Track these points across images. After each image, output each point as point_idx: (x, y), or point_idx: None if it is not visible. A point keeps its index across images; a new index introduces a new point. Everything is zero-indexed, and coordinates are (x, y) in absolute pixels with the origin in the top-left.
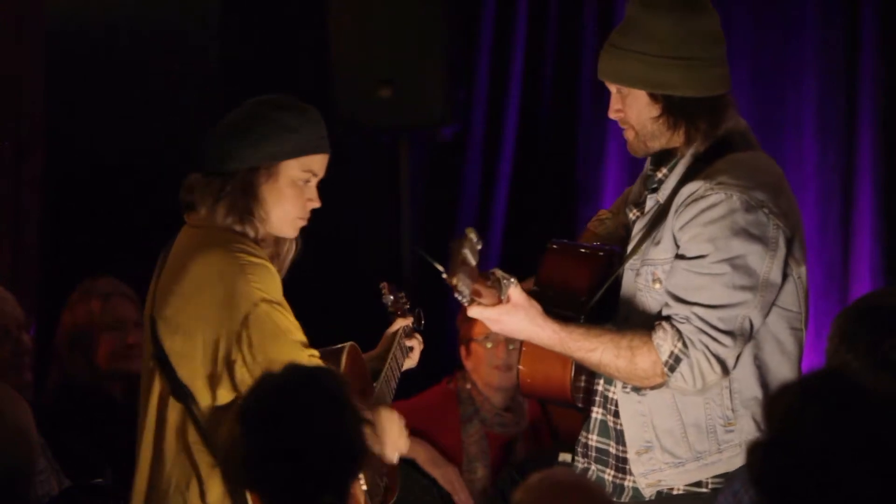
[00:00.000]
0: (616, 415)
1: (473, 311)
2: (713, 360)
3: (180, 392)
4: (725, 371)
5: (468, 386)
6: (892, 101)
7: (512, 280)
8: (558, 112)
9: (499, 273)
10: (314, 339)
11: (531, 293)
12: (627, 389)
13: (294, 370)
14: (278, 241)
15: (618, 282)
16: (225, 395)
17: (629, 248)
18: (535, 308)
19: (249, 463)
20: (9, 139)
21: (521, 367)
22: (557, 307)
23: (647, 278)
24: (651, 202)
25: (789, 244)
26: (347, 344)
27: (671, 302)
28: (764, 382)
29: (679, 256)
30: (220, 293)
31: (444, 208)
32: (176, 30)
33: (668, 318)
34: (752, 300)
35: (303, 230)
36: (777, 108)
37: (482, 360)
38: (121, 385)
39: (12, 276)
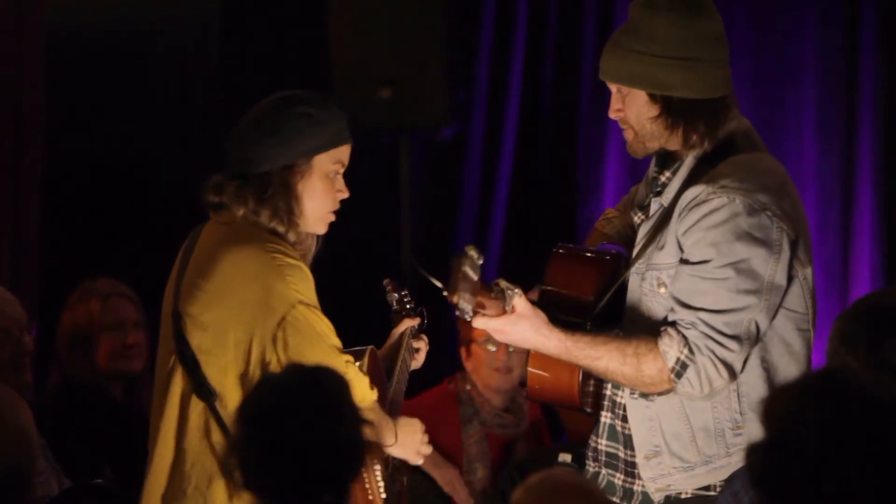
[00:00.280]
0: (624, 419)
1: (478, 322)
2: (720, 365)
3: (204, 391)
4: (733, 375)
5: (468, 387)
6: (892, 102)
7: (516, 290)
8: (558, 112)
9: (503, 283)
10: None
11: (538, 298)
12: (636, 395)
13: (294, 370)
14: (304, 240)
15: (623, 286)
16: None
17: (634, 253)
18: (539, 318)
19: (249, 463)
20: (9, 139)
21: (528, 372)
22: (563, 312)
23: (651, 283)
24: (655, 205)
25: (793, 246)
26: (368, 347)
27: (676, 307)
28: (772, 385)
29: (683, 261)
30: (256, 292)
31: (444, 208)
32: (176, 30)
33: (673, 324)
34: (758, 304)
35: None
36: (777, 109)
37: (482, 361)
38: (121, 385)
39: (12, 276)
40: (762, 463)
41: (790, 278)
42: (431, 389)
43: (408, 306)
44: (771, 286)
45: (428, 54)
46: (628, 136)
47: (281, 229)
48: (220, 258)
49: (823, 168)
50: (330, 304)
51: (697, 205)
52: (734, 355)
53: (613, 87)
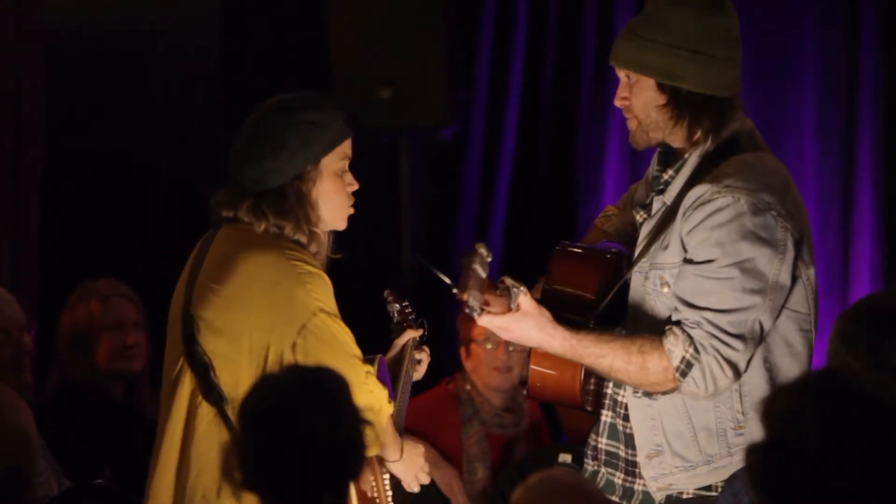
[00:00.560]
0: (625, 418)
1: (484, 321)
2: (725, 365)
3: (214, 395)
4: (737, 375)
5: (468, 387)
6: (892, 102)
7: (521, 288)
8: (558, 112)
9: (508, 281)
10: None
11: (541, 297)
12: (638, 394)
13: (294, 370)
14: (322, 242)
15: (626, 285)
16: None
17: (637, 252)
18: (544, 316)
19: (249, 463)
20: (9, 139)
21: (530, 370)
22: (566, 310)
23: (655, 282)
24: (658, 204)
25: (798, 246)
26: (377, 356)
27: (681, 307)
28: (774, 385)
29: (687, 261)
30: (275, 299)
31: (444, 208)
32: (176, 30)
33: (678, 323)
34: (762, 303)
35: None
36: (777, 109)
37: (482, 361)
38: (121, 385)
39: (12, 276)
40: (762, 463)
41: (794, 278)
42: (431, 390)
43: (409, 317)
44: (775, 286)
45: (428, 54)
46: (631, 125)
47: (304, 240)
48: (237, 263)
49: (823, 168)
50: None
51: (702, 204)
52: (739, 355)
53: (622, 74)
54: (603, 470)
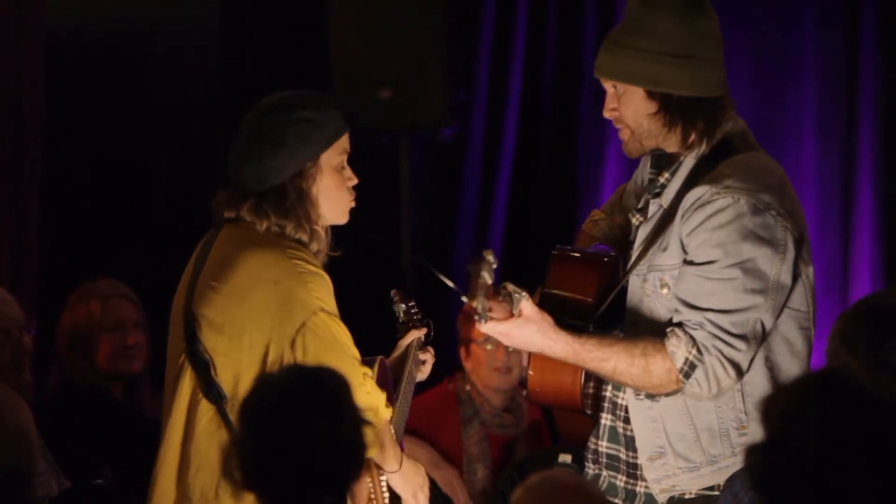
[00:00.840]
0: (626, 420)
1: (486, 327)
2: (728, 365)
3: (214, 393)
4: (740, 375)
5: (468, 387)
6: (892, 102)
7: (523, 294)
8: (558, 112)
9: (510, 287)
10: None
11: (539, 301)
12: (640, 396)
13: (295, 370)
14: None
15: (624, 288)
16: None
17: (635, 255)
18: (546, 321)
19: (249, 463)
20: (9, 139)
21: (529, 374)
22: (565, 315)
23: (654, 284)
24: (654, 207)
25: (798, 245)
26: (377, 357)
27: (682, 308)
28: (776, 384)
29: (688, 262)
30: (276, 297)
31: (444, 209)
32: (176, 30)
33: (679, 325)
34: (764, 303)
35: None
36: (777, 109)
37: (482, 361)
38: (121, 386)
39: (12, 276)
40: (762, 463)
41: (794, 277)
42: (431, 390)
43: (415, 317)
44: (777, 285)
45: (428, 54)
46: (624, 135)
47: (305, 239)
48: (239, 262)
49: (823, 168)
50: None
51: (701, 206)
52: (742, 355)
53: (609, 86)
54: (605, 473)
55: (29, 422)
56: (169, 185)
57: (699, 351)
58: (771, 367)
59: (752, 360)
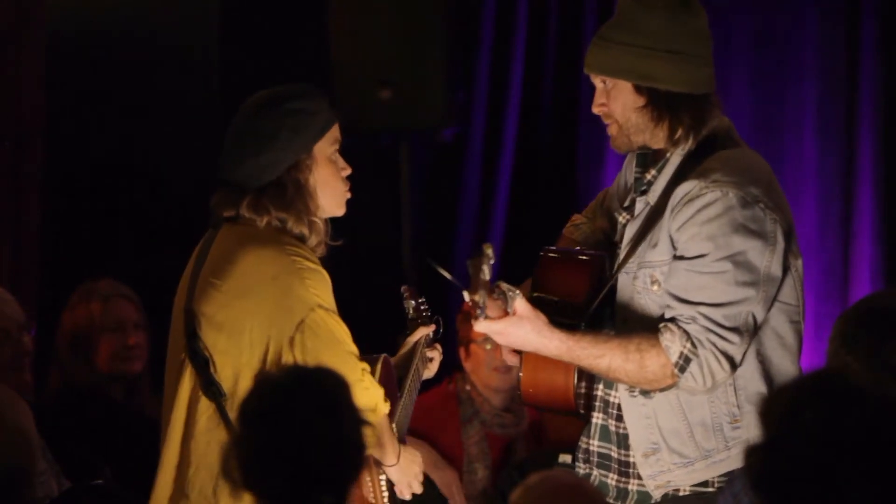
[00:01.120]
0: (618, 419)
1: (481, 326)
2: (722, 358)
3: (213, 390)
4: (733, 367)
5: (468, 387)
6: (892, 102)
7: (517, 292)
8: (558, 113)
9: (504, 286)
10: None
11: (532, 303)
12: (634, 392)
13: (294, 371)
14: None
15: (613, 287)
16: None
17: (623, 253)
18: (540, 319)
19: (249, 463)
20: (9, 139)
21: (522, 377)
22: (556, 315)
23: (644, 281)
24: (641, 205)
25: (787, 237)
26: (381, 355)
27: (674, 303)
28: (768, 377)
29: (678, 257)
30: (275, 294)
31: (445, 210)
32: (176, 30)
33: (672, 320)
34: (755, 296)
35: None
36: (777, 109)
37: (482, 361)
38: (121, 386)
39: (12, 276)
40: (761, 464)
41: (784, 270)
42: (431, 390)
43: (424, 314)
44: (767, 277)
45: (428, 55)
46: (612, 130)
47: (306, 232)
48: (238, 259)
49: (823, 168)
50: None
51: (691, 200)
52: (735, 347)
53: (598, 81)
54: (595, 472)
55: (29, 422)
56: (169, 185)
57: (693, 345)
58: (762, 361)
59: (744, 354)
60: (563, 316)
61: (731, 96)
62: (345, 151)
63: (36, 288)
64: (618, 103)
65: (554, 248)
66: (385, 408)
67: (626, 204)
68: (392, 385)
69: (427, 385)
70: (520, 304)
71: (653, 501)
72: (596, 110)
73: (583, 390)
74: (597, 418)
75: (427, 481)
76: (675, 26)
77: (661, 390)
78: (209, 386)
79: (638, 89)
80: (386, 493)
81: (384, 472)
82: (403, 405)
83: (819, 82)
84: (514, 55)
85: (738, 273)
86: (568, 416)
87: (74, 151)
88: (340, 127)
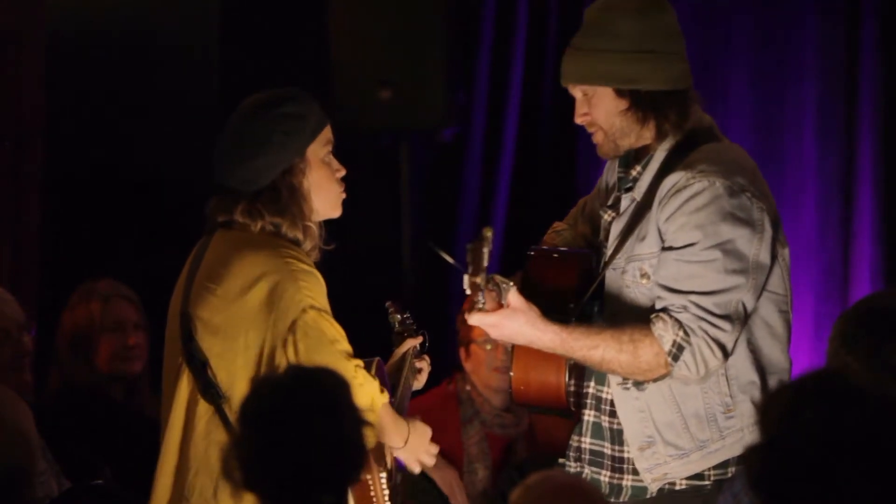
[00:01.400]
0: (611, 414)
1: (474, 319)
2: (714, 346)
3: (211, 392)
4: (725, 355)
5: (468, 387)
6: (892, 102)
7: (511, 284)
8: (558, 113)
9: (498, 278)
10: None
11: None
12: (628, 385)
13: (295, 371)
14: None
15: (601, 283)
16: None
17: (610, 250)
18: (534, 311)
19: (249, 463)
20: (9, 139)
21: (513, 375)
22: (546, 311)
23: (634, 274)
24: (626, 201)
25: (774, 226)
26: (375, 359)
27: (664, 294)
28: (759, 367)
29: (667, 248)
30: (268, 296)
31: (445, 210)
32: (176, 30)
33: (664, 310)
34: (745, 283)
35: None
36: (777, 109)
37: (482, 361)
38: (121, 386)
39: (12, 276)
40: (760, 464)
41: (772, 258)
42: (431, 391)
43: (411, 327)
44: (756, 265)
45: (428, 56)
46: (598, 137)
47: (300, 237)
48: (232, 262)
49: (823, 168)
50: (330, 304)
51: (678, 191)
52: (727, 335)
53: (577, 91)
54: (587, 469)
55: (29, 422)
56: (169, 185)
57: (686, 333)
58: (753, 350)
59: (735, 343)
60: (552, 313)
61: (731, 96)
62: (345, 151)
63: (36, 288)
64: (600, 110)
65: (541, 247)
66: (382, 399)
67: (611, 202)
68: (386, 389)
69: (426, 386)
70: (513, 296)
71: (649, 496)
72: (579, 121)
73: (573, 388)
74: (588, 416)
75: (428, 482)
76: (648, 26)
77: (655, 380)
78: (207, 388)
79: (619, 93)
80: (387, 492)
81: (384, 470)
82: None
83: (819, 82)
84: (514, 55)
85: (728, 261)
86: (559, 415)
87: (74, 151)
88: (337, 128)
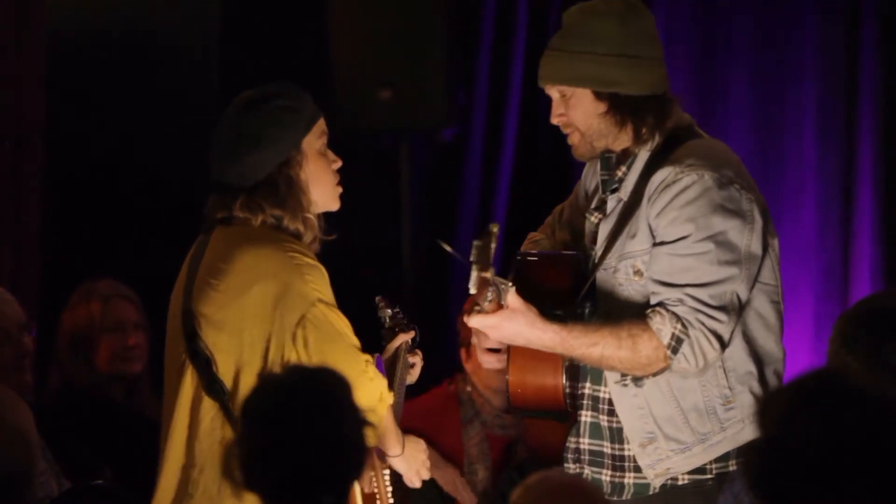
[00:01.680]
0: (610, 413)
1: (474, 321)
2: (711, 337)
3: (216, 389)
4: (723, 347)
5: (468, 388)
6: (892, 102)
7: (510, 285)
8: None
9: (497, 279)
10: None
11: None
12: (626, 382)
13: (296, 370)
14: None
15: (593, 284)
16: None
17: (600, 250)
18: (532, 311)
19: (250, 463)
20: (9, 139)
21: (510, 379)
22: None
23: (626, 272)
24: (613, 202)
25: (763, 216)
26: (374, 355)
27: (659, 288)
28: (756, 357)
29: (659, 243)
30: (274, 291)
31: (445, 210)
32: (176, 30)
33: (660, 304)
34: (738, 274)
35: None
36: (777, 110)
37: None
38: (121, 386)
39: (12, 276)
40: (760, 464)
41: (763, 249)
42: (431, 391)
43: (401, 322)
44: (748, 256)
45: (428, 56)
46: (573, 139)
47: (301, 229)
48: (235, 258)
49: (823, 168)
50: None
51: (667, 186)
52: (723, 326)
53: (554, 92)
54: (587, 470)
55: (29, 422)
56: (169, 185)
57: (683, 325)
58: (749, 341)
59: (731, 334)
60: (546, 314)
61: (731, 96)
62: (345, 152)
63: (36, 288)
64: (578, 112)
65: (529, 252)
66: (390, 398)
67: (596, 205)
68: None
69: (427, 386)
70: (512, 297)
71: (651, 492)
72: (555, 121)
73: (568, 389)
74: (585, 416)
75: (430, 482)
76: (628, 31)
77: (653, 375)
78: (212, 385)
79: (598, 96)
80: (390, 489)
81: (387, 468)
82: (393, 408)
83: (819, 82)
84: (514, 55)
85: (721, 252)
86: (554, 418)
87: (74, 151)
88: (337, 128)
